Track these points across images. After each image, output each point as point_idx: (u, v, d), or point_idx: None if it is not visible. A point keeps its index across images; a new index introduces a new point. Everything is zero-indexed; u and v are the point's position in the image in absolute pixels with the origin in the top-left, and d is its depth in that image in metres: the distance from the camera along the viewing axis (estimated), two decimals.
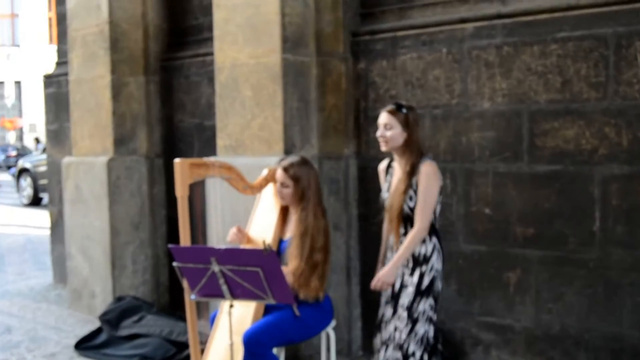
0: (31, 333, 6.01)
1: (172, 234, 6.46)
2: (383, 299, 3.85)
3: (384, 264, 3.88)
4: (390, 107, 3.73)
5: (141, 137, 6.54)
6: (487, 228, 4.49)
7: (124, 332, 5.50)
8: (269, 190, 4.11)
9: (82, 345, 5.50)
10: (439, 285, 3.72)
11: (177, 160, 3.53)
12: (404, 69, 4.87)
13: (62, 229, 7.43)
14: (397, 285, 3.72)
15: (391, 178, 3.83)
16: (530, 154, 4.31)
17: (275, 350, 3.77)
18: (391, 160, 3.89)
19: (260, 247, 3.38)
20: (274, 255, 3.14)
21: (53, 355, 5.38)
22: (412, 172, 3.62)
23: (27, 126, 37.52)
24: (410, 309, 3.65)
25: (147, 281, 6.51)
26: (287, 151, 4.92)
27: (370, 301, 5.12)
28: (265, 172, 4.09)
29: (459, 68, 4.59)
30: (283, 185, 3.86)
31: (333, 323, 3.97)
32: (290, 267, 3.72)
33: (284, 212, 4.03)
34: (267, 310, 3.85)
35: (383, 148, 3.72)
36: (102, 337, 5.56)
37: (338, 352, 4.45)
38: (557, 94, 4.20)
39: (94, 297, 6.52)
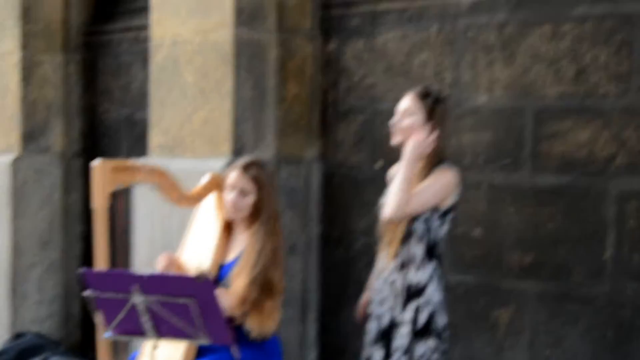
0: None
1: (90, 255, 6.42)
2: (367, 338, 3.87)
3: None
4: (418, 88, 3.76)
5: (56, 131, 6.60)
6: (476, 254, 4.55)
7: None
8: (210, 202, 4.15)
9: None
10: (441, 320, 3.74)
11: (95, 163, 3.62)
12: (384, 52, 4.95)
13: None
14: (386, 321, 3.76)
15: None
16: (533, 161, 4.38)
17: None
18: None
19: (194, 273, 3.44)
20: (210, 283, 3.22)
21: None
22: (425, 174, 3.67)
23: None
24: (408, 352, 3.69)
25: (54, 313, 6.52)
26: (237, 152, 4.99)
27: (329, 343, 5.22)
28: (206, 178, 4.11)
29: (451, 51, 4.68)
30: (242, 192, 3.86)
31: None
32: (235, 289, 3.75)
33: (227, 229, 4.08)
34: (200, 352, 3.87)
35: (394, 140, 3.74)
36: None
37: None
38: (570, 87, 4.28)
39: None
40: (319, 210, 5.25)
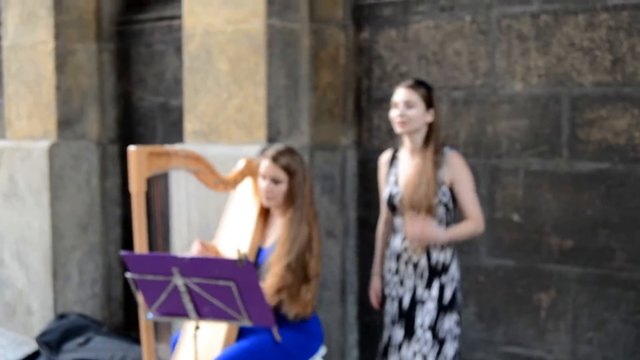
0: None
1: (128, 239, 6.42)
2: (387, 319, 3.85)
3: (382, 277, 3.92)
4: (410, 82, 3.77)
5: (91, 118, 6.49)
6: (516, 239, 4.47)
7: (66, 356, 5.45)
8: (246, 187, 4.08)
9: None
10: (460, 295, 3.80)
11: (132, 149, 3.51)
12: (417, 41, 4.84)
13: None
14: (407, 301, 3.75)
15: (397, 170, 3.84)
16: (570, 148, 4.29)
17: None
18: (394, 152, 3.90)
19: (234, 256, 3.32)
20: (250, 266, 3.09)
21: None
22: (438, 163, 3.68)
23: None
24: (434, 328, 3.70)
25: (96, 295, 6.48)
26: (271, 139, 4.90)
27: (369, 324, 5.14)
28: (241, 163, 4.05)
29: (485, 41, 4.57)
30: (274, 180, 3.78)
31: (323, 350, 3.94)
32: (272, 278, 3.67)
33: (264, 214, 4.00)
34: (241, 333, 3.81)
35: (399, 130, 3.72)
36: None
37: None
38: (606, 75, 4.18)
39: (30, 313, 6.48)
40: (355, 196, 5.16)
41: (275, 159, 3.78)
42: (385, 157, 3.96)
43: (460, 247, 4.52)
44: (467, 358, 4.63)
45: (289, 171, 3.77)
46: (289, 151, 3.84)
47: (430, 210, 3.66)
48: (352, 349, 5.16)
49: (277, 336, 3.70)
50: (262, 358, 3.66)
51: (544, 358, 4.41)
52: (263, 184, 3.83)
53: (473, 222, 3.70)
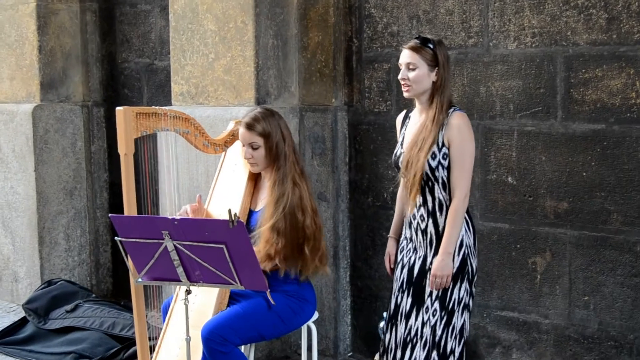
0: None
1: (116, 204, 6.42)
2: (396, 286, 3.83)
3: (398, 242, 3.89)
4: (414, 42, 3.70)
5: (75, 80, 6.46)
6: (510, 201, 4.47)
7: (54, 324, 5.47)
8: (236, 149, 4.08)
9: (2, 339, 5.48)
10: (473, 264, 3.72)
11: (119, 109, 3.48)
12: (408, 0, 4.79)
13: None
14: (417, 269, 3.72)
15: (406, 130, 3.81)
16: (565, 109, 4.27)
17: (242, 349, 3.77)
18: (408, 112, 3.88)
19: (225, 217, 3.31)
20: (242, 227, 3.07)
21: None
22: (439, 123, 3.62)
23: None
24: (442, 298, 3.67)
25: (83, 261, 6.49)
26: (260, 100, 4.88)
27: (361, 289, 5.15)
28: (231, 125, 4.05)
29: None
30: (252, 146, 3.80)
31: (315, 316, 3.96)
32: (262, 242, 3.68)
33: (255, 177, 4.01)
34: (233, 298, 3.83)
35: (406, 94, 3.70)
36: (27, 330, 5.53)
37: (321, 352, 4.46)
38: (601, 34, 4.15)
39: (17, 280, 6.48)
40: (347, 158, 5.14)
41: (249, 126, 3.80)
42: (399, 117, 3.94)
43: None
44: None
45: (263, 135, 3.78)
46: (263, 114, 3.84)
47: (420, 179, 3.62)
48: (344, 314, 5.18)
49: (271, 300, 3.72)
50: (254, 323, 3.69)
51: (539, 322, 4.43)
52: (243, 151, 3.85)
53: (454, 204, 3.59)
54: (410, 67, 3.64)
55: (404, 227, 3.85)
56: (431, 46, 3.66)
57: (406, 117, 3.88)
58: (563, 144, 4.28)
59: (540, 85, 4.34)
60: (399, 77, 3.69)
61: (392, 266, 3.92)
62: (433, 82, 3.66)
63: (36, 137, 6.22)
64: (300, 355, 4.78)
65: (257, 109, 3.90)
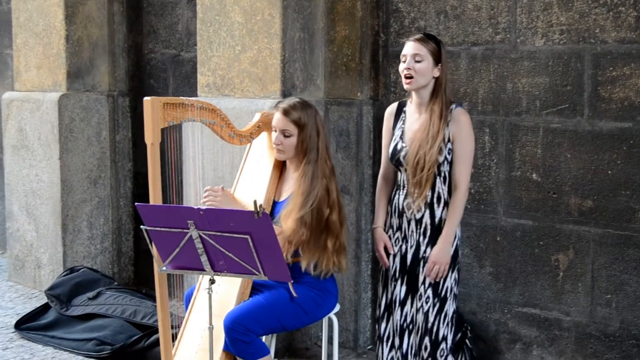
0: None
1: (139, 193, 6.46)
2: (389, 275, 3.90)
3: (386, 232, 3.92)
4: (419, 35, 3.77)
5: (102, 69, 6.48)
6: (534, 198, 4.47)
7: (76, 310, 5.49)
8: (262, 141, 4.09)
9: (25, 325, 5.52)
10: (460, 253, 3.84)
11: (147, 99, 3.48)
12: None
13: (1, 182, 7.41)
14: (410, 257, 3.80)
15: (404, 125, 3.85)
16: (592, 107, 4.27)
17: (264, 339, 3.78)
18: (401, 105, 3.91)
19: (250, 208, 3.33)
20: (267, 218, 3.09)
21: None
22: (446, 119, 3.68)
23: None
24: (435, 286, 3.75)
25: (106, 250, 6.53)
26: (286, 93, 4.89)
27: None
28: (257, 117, 4.06)
29: None
30: (285, 134, 3.81)
31: (337, 308, 3.98)
32: (285, 229, 3.69)
33: (279, 169, 4.02)
34: (255, 288, 3.85)
35: (407, 86, 3.73)
36: (50, 316, 5.57)
37: (341, 345, 4.48)
38: (630, 32, 4.14)
39: (40, 267, 6.52)
40: (371, 152, 5.15)
41: (286, 112, 3.81)
42: (390, 109, 3.97)
43: (477, 207, 4.55)
44: (483, 318, 4.67)
45: (299, 124, 3.79)
46: (302, 104, 3.85)
47: (432, 167, 3.68)
48: (365, 307, 5.19)
49: (294, 292, 3.73)
50: (277, 313, 3.70)
51: (561, 319, 4.43)
52: (273, 136, 3.85)
53: (459, 195, 3.71)
54: (417, 58, 3.70)
55: (389, 216, 3.92)
56: (436, 42, 3.74)
57: (400, 110, 3.91)
58: (589, 142, 4.28)
59: (567, 82, 4.34)
60: (404, 67, 3.72)
61: (391, 252, 3.91)
62: (434, 77, 3.72)
63: (62, 126, 6.26)
64: (320, 347, 4.80)
65: (296, 99, 3.92)
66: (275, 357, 4.20)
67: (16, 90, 6.75)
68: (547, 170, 4.42)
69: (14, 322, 5.56)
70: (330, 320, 3.99)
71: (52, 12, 6.36)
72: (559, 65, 4.36)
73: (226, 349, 3.65)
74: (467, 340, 4.02)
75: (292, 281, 3.59)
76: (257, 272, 3.19)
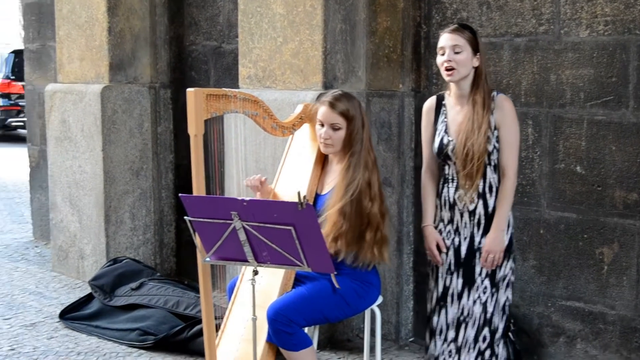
0: (7, 299, 6.12)
1: (180, 185, 6.51)
2: (442, 268, 3.88)
3: (437, 228, 3.92)
4: (454, 26, 3.77)
5: (144, 61, 6.55)
6: (578, 191, 4.44)
7: (119, 301, 5.56)
8: (304, 132, 4.10)
9: (69, 314, 5.60)
10: (514, 242, 3.85)
11: (190, 90, 3.50)
12: None
13: (45, 173, 7.50)
14: (464, 250, 3.79)
15: (446, 118, 3.84)
16: (637, 98, 4.22)
17: (306, 330, 3.80)
18: (439, 99, 3.90)
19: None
20: (311, 209, 3.09)
21: (33, 326, 5.48)
22: (490, 107, 3.68)
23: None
24: (492, 275, 3.76)
25: (148, 241, 6.60)
26: (327, 84, 4.90)
27: (425, 276, 5.11)
28: (299, 108, 4.06)
29: None
30: (334, 127, 3.80)
31: (380, 300, 3.98)
32: (328, 225, 3.70)
33: (322, 161, 4.02)
34: (297, 280, 3.87)
35: (449, 78, 3.72)
36: (93, 307, 5.64)
37: (383, 337, 4.49)
38: None
39: (83, 257, 6.61)
40: (413, 144, 5.15)
41: (333, 105, 3.79)
42: (429, 103, 3.96)
43: (520, 199, 4.52)
44: (526, 312, 4.65)
45: (347, 117, 3.78)
46: (347, 96, 3.85)
47: (482, 157, 3.68)
48: (407, 299, 5.20)
49: (336, 284, 3.74)
50: (319, 305, 3.72)
51: (605, 313, 4.40)
52: (321, 130, 3.84)
53: (510, 182, 3.72)
54: (456, 49, 3.69)
55: (438, 209, 3.90)
56: (471, 31, 3.73)
57: (439, 104, 3.89)
58: (634, 134, 4.23)
59: (612, 74, 4.30)
60: (444, 59, 3.70)
61: (444, 251, 3.90)
62: (474, 67, 3.71)
63: (104, 118, 6.32)
64: (361, 339, 4.82)
65: (338, 91, 3.92)
66: (317, 348, 4.22)
67: (59, 82, 6.83)
68: (592, 163, 4.39)
69: (58, 311, 5.64)
70: (372, 312, 4.00)
71: (94, 4, 6.42)
72: (604, 57, 4.32)
73: (269, 340, 3.67)
74: (510, 334, 3.99)
75: (335, 272, 3.58)
76: (300, 264, 3.20)
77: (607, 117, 4.32)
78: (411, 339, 5.21)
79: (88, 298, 5.76)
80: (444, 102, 3.88)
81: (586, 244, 4.44)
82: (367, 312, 4.02)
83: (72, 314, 5.59)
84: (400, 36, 5.10)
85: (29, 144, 8.30)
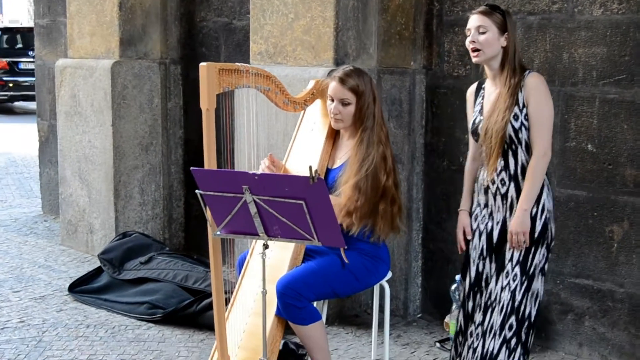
0: (16, 272, 6.16)
1: (190, 160, 6.52)
2: (474, 253, 3.82)
3: (471, 215, 3.86)
4: (482, 7, 3.72)
5: (154, 37, 6.54)
6: (589, 169, 4.44)
7: (128, 275, 5.60)
8: (315, 108, 4.10)
9: (77, 288, 5.64)
10: (552, 229, 3.72)
11: (203, 64, 3.47)
12: None
13: (54, 148, 7.53)
14: (496, 235, 3.72)
15: (482, 100, 3.80)
16: None
17: (315, 304, 3.81)
18: (480, 83, 3.88)
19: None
20: (322, 183, 3.08)
21: (42, 298, 5.52)
22: (517, 85, 3.62)
23: (7, 22, 37.75)
24: (523, 263, 3.65)
25: (157, 216, 6.62)
26: (339, 61, 4.89)
27: (434, 252, 5.19)
28: (311, 84, 4.06)
29: None
30: (343, 102, 3.81)
31: (389, 275, 3.99)
32: (341, 198, 3.70)
33: (332, 136, 4.03)
34: (307, 254, 3.88)
35: (475, 59, 3.68)
36: (102, 280, 5.68)
37: (391, 312, 4.50)
38: None
39: (92, 231, 6.64)
40: (424, 121, 5.16)
41: (342, 80, 3.79)
42: (471, 89, 3.93)
43: None
44: None
45: (357, 92, 3.78)
46: (357, 72, 3.85)
47: (501, 141, 3.61)
48: (416, 276, 5.22)
49: (345, 258, 3.75)
50: (329, 279, 3.73)
51: (614, 291, 4.40)
52: (331, 105, 3.84)
53: (534, 158, 3.58)
54: (481, 30, 3.64)
55: (476, 194, 3.84)
56: (500, 12, 3.68)
57: (479, 88, 3.87)
58: None
59: (625, 52, 4.29)
60: (468, 40, 3.66)
61: (468, 238, 3.86)
62: (502, 47, 3.66)
63: (114, 93, 6.33)
64: (369, 314, 4.84)
65: (349, 66, 3.91)
66: (325, 324, 4.23)
67: (69, 57, 6.83)
68: (603, 141, 4.38)
69: (67, 285, 5.68)
70: (381, 288, 4.01)
71: None
72: (617, 35, 4.30)
73: (278, 313, 3.69)
74: None
75: (345, 247, 3.58)
76: (310, 238, 3.20)
77: (620, 95, 4.31)
78: (419, 315, 5.24)
79: (97, 272, 5.80)
80: (483, 86, 3.84)
81: (596, 221, 4.44)
82: (376, 288, 4.04)
83: (81, 287, 5.63)
84: (412, 13, 5.09)
85: (39, 118, 8.32)
